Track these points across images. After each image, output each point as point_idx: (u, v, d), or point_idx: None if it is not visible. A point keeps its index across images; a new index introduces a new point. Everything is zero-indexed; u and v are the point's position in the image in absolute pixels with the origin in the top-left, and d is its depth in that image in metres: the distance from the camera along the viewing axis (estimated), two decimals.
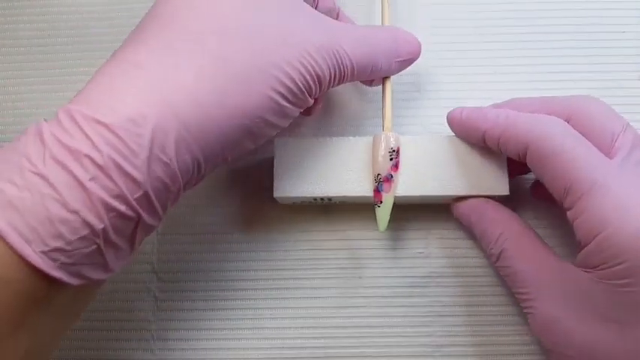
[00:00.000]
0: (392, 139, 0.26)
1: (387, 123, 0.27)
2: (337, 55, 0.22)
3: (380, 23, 0.28)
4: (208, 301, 0.28)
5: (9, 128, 0.31)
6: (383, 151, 0.26)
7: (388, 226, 0.26)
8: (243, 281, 0.28)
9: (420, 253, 0.28)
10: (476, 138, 0.25)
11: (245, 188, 0.29)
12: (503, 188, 0.26)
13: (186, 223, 0.29)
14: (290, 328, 0.27)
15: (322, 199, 0.27)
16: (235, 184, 0.29)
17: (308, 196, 0.26)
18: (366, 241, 0.28)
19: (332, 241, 0.28)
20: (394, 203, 0.26)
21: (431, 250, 0.28)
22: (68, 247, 0.17)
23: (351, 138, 0.27)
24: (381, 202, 0.26)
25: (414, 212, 0.29)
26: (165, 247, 0.28)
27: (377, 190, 0.26)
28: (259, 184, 0.29)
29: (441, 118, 0.27)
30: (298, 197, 0.26)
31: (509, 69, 0.31)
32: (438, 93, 0.31)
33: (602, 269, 0.21)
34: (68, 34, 0.32)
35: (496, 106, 0.27)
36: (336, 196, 0.26)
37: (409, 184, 0.26)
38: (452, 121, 0.26)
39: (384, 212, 0.26)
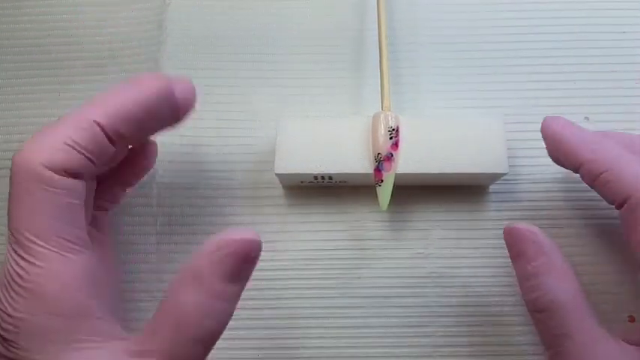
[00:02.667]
0: (391, 119, 0.26)
1: (386, 102, 0.27)
2: None
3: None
4: None
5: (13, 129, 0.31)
6: (382, 130, 0.26)
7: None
8: None
9: (420, 253, 0.28)
10: (570, 163, 0.24)
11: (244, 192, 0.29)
12: (502, 166, 0.26)
13: (184, 223, 0.29)
14: (290, 328, 0.27)
15: (323, 177, 0.27)
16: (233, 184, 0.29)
17: (308, 173, 0.26)
18: (366, 241, 0.28)
19: (332, 241, 0.28)
20: (394, 184, 0.26)
21: (431, 250, 0.28)
22: None
23: (351, 117, 0.27)
24: (382, 181, 0.26)
25: (414, 212, 0.29)
26: (165, 247, 0.28)
27: (377, 170, 0.26)
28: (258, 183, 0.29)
29: (440, 98, 0.28)
30: (299, 174, 0.26)
31: (510, 61, 0.31)
32: (438, 72, 0.31)
33: None
34: (67, 35, 0.32)
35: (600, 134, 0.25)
36: (337, 174, 0.26)
37: (409, 163, 0.26)
38: (547, 134, 0.25)
39: (385, 191, 0.26)
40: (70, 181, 0.20)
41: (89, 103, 0.21)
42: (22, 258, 0.19)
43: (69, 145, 0.20)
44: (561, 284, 0.22)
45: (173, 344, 0.19)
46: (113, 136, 0.21)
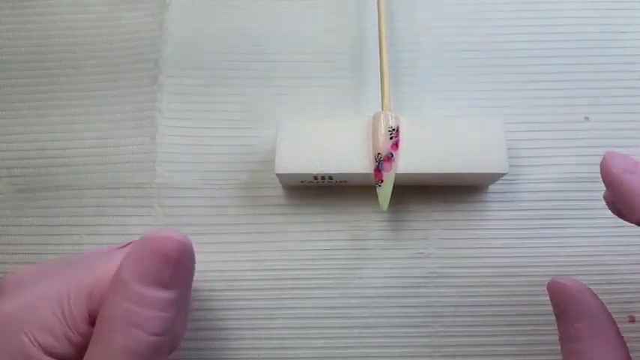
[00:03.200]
0: (391, 118, 0.26)
1: (386, 102, 0.27)
2: None
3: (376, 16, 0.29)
4: (205, 301, 0.28)
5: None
6: (383, 130, 0.26)
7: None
8: (242, 281, 0.28)
9: (420, 253, 0.28)
10: (628, 214, 0.20)
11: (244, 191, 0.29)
12: (502, 166, 0.26)
13: (184, 223, 0.29)
14: (290, 328, 0.27)
15: (323, 177, 0.27)
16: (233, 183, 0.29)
17: (308, 173, 0.26)
18: (366, 241, 0.28)
19: (332, 242, 0.28)
20: (394, 184, 0.26)
21: (431, 250, 0.28)
22: None
23: (351, 117, 0.27)
24: (382, 181, 0.26)
25: (414, 212, 0.29)
26: None
27: (377, 170, 0.26)
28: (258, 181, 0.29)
29: (440, 98, 0.29)
30: (299, 174, 0.26)
31: (510, 61, 0.31)
32: (438, 72, 0.31)
33: None
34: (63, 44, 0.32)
35: None
36: (337, 174, 0.26)
37: (410, 163, 0.26)
38: (606, 177, 0.21)
39: (385, 191, 0.26)
40: None
41: None
42: None
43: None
44: (607, 353, 0.20)
45: (103, 358, 0.17)
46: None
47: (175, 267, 0.18)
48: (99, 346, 0.17)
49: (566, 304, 0.21)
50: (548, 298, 0.27)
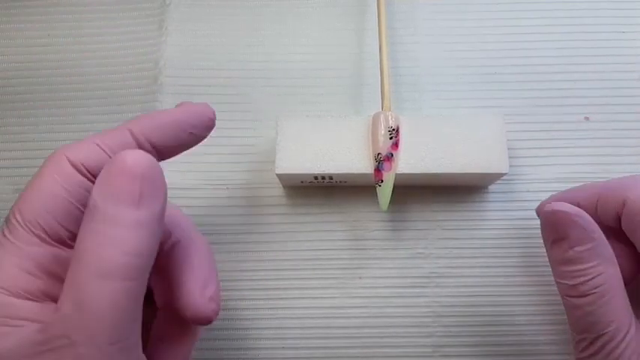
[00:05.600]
0: (391, 118, 0.26)
1: (386, 102, 0.27)
2: None
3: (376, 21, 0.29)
4: None
5: None
6: (383, 130, 0.26)
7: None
8: (242, 281, 0.28)
9: (420, 253, 0.28)
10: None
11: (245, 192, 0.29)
12: (503, 166, 0.26)
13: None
14: (290, 328, 0.27)
15: (323, 177, 0.27)
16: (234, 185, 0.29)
17: (309, 173, 0.26)
18: (366, 241, 0.28)
19: (332, 241, 0.28)
20: (394, 184, 0.26)
21: (431, 250, 0.28)
22: None
23: (351, 117, 0.27)
24: (382, 181, 0.26)
25: (414, 212, 0.29)
26: None
27: (377, 170, 0.26)
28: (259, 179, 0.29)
29: (440, 97, 0.29)
30: (299, 174, 0.26)
31: (509, 61, 0.31)
32: (438, 72, 0.31)
33: None
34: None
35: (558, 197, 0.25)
36: (337, 174, 0.26)
37: (410, 163, 0.26)
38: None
39: (385, 191, 0.26)
40: (81, 178, 0.19)
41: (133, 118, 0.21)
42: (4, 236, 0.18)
43: (96, 144, 0.19)
44: (608, 269, 0.21)
45: (76, 285, 0.17)
46: (143, 143, 0.20)
47: (142, 183, 0.17)
48: (74, 271, 0.17)
49: (567, 229, 0.21)
50: (549, 297, 0.28)
